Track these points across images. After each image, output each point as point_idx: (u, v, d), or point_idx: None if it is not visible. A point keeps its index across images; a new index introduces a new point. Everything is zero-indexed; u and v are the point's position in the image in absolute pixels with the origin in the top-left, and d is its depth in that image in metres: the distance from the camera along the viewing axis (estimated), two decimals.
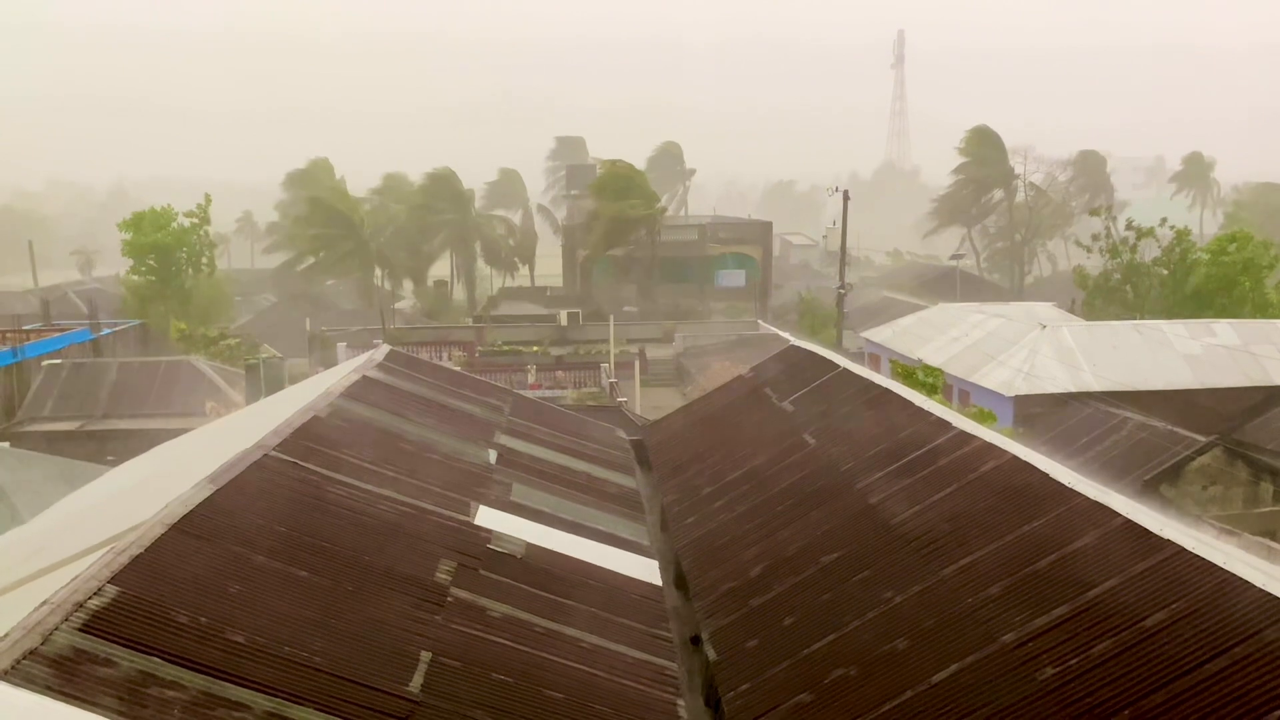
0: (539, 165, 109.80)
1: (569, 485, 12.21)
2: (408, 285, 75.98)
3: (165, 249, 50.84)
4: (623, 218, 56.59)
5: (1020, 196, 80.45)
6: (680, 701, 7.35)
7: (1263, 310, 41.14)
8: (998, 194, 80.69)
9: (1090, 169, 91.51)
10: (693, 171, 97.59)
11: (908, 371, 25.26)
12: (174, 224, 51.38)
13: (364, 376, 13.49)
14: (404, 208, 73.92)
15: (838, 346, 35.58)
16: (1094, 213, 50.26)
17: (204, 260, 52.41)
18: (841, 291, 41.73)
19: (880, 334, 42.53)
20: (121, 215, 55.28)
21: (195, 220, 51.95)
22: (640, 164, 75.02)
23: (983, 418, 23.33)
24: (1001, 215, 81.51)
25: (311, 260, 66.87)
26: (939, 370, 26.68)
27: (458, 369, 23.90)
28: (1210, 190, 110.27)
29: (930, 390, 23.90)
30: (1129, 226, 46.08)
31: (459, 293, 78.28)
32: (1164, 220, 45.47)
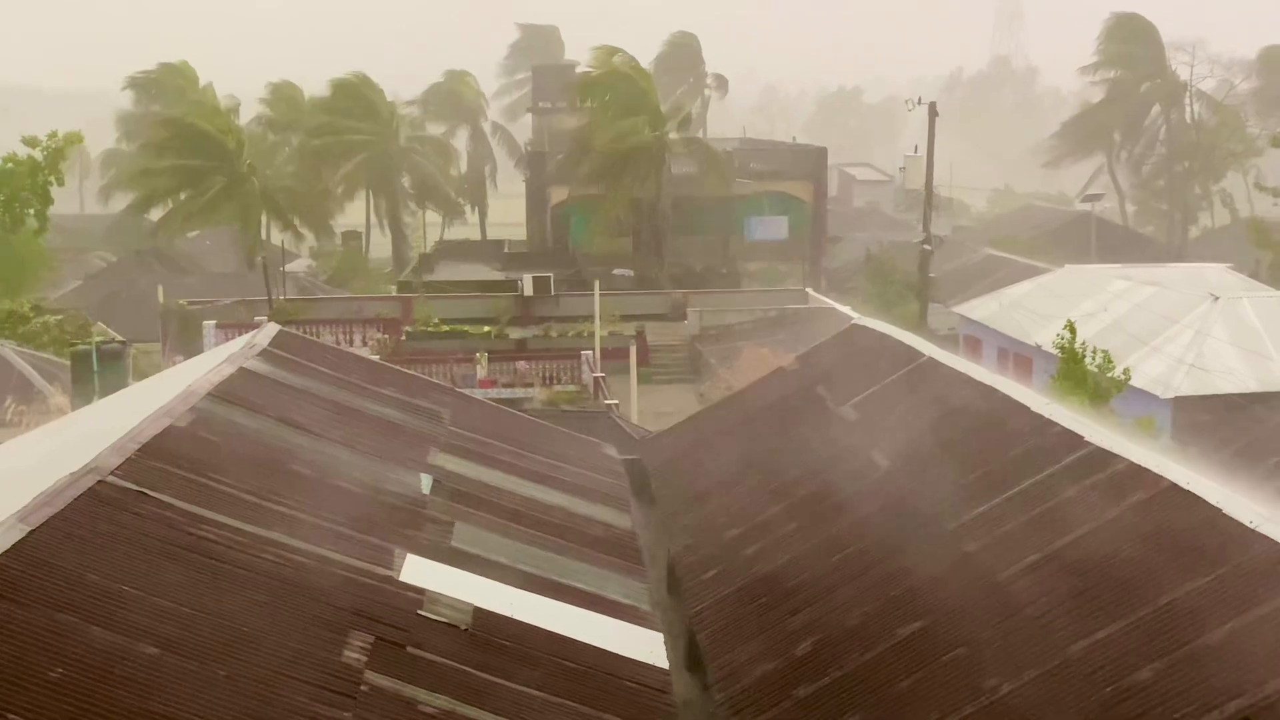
0: (492, 68, 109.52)
1: (536, 525, 12.22)
2: (305, 239, 75.95)
3: None
4: (627, 145, 55.01)
5: (1186, 114, 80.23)
6: None
7: None
8: (1153, 109, 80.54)
9: None
10: (720, 77, 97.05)
11: (1074, 358, 24.17)
12: None
13: (241, 369, 13.50)
14: (300, 129, 73.74)
15: (921, 326, 35.64)
16: (1276, 142, 50.23)
17: (31, 212, 51.53)
18: (926, 248, 41.75)
19: (982, 309, 42.52)
20: None
21: (41, 156, 50.36)
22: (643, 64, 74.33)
23: (1141, 427, 23.13)
24: (1156, 140, 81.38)
25: (168, 205, 66.63)
26: (1121, 374, 24.85)
27: (376, 358, 23.95)
28: None
29: (1102, 395, 23.40)
30: None
31: (379, 249, 78.28)
32: None
